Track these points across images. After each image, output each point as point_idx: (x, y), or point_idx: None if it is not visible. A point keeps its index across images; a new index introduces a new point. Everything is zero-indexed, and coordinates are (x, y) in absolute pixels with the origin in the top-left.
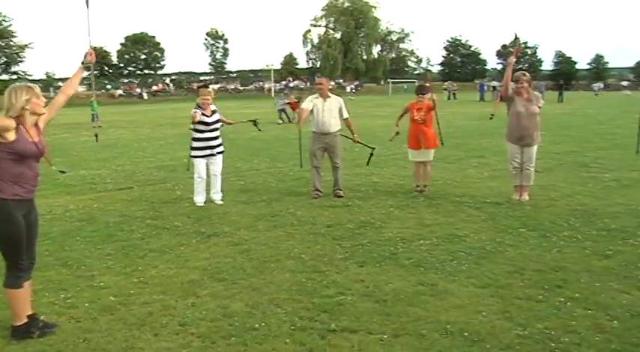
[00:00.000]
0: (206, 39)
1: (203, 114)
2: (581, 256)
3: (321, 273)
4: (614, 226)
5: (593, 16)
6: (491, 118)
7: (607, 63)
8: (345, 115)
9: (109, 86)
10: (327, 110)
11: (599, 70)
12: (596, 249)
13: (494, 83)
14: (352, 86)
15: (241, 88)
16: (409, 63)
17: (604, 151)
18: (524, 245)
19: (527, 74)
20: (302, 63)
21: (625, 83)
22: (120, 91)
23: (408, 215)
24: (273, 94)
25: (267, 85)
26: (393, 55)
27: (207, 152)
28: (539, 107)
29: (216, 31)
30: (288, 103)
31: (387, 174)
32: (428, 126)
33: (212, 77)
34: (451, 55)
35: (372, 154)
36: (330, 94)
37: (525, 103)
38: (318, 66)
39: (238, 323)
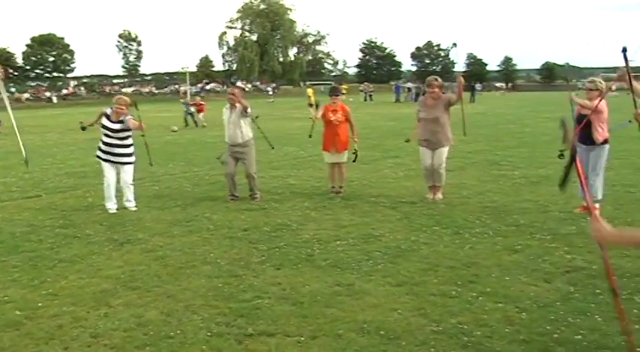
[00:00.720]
0: (118, 41)
1: (107, 118)
2: (492, 251)
3: (238, 277)
4: (523, 221)
5: (502, 19)
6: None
7: (515, 65)
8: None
9: (13, 89)
10: (234, 122)
11: (508, 71)
12: (506, 244)
13: (409, 85)
14: (270, 88)
15: (156, 92)
16: (326, 65)
17: (513, 150)
18: (438, 242)
19: (438, 79)
20: (218, 65)
21: (498, 84)
22: (27, 95)
23: (324, 216)
24: (186, 98)
25: (183, 88)
26: (310, 57)
27: (111, 158)
28: (448, 113)
29: (129, 33)
30: (193, 104)
31: (304, 175)
32: (343, 129)
33: (125, 80)
34: (367, 57)
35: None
36: (241, 103)
37: (432, 108)
38: (234, 68)
39: (153, 332)
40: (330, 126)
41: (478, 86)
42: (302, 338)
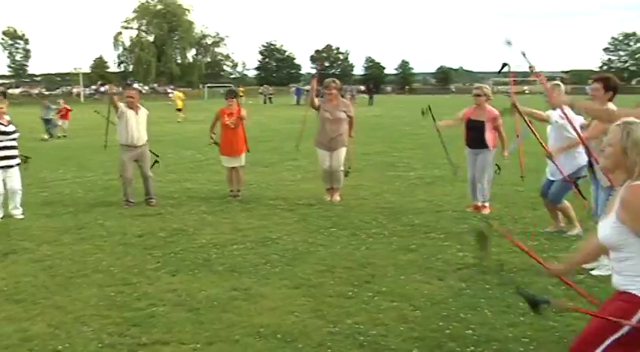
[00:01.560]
0: (3, 39)
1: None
2: (388, 251)
3: (132, 285)
4: (418, 221)
5: (400, 23)
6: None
7: (412, 68)
8: None
9: None
10: (137, 123)
11: (405, 74)
12: (401, 244)
13: (308, 87)
14: (170, 90)
15: (47, 93)
16: (225, 67)
17: (410, 151)
18: (335, 244)
19: (336, 81)
20: (113, 66)
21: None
22: None
23: (222, 220)
24: (47, 103)
25: (75, 90)
26: (209, 59)
27: (4, 163)
28: (349, 114)
29: (15, 30)
30: (59, 112)
31: (201, 179)
32: (239, 132)
33: (12, 80)
34: (267, 60)
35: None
36: (139, 105)
37: (332, 110)
38: (130, 70)
39: (39, 347)
40: (227, 130)
41: (389, 88)
42: (198, 346)
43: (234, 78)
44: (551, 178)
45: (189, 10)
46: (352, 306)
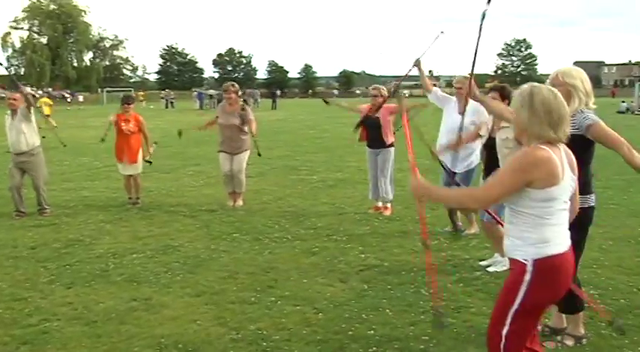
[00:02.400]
0: None
1: None
2: (291, 255)
3: (23, 301)
4: (320, 224)
5: (303, 27)
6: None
7: (315, 72)
8: None
9: None
10: (17, 128)
11: (308, 78)
12: (304, 248)
13: (212, 91)
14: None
15: None
16: (125, 71)
17: (312, 155)
18: (238, 249)
19: (235, 85)
20: (1, 69)
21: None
22: None
23: (120, 229)
24: None
25: None
26: (107, 63)
27: None
28: (248, 118)
29: None
30: None
31: (99, 187)
32: (135, 139)
33: None
34: (168, 63)
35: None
36: (30, 110)
37: (231, 114)
38: (22, 73)
39: None
40: (122, 136)
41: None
42: None
43: (134, 82)
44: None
45: (85, 12)
46: (255, 312)
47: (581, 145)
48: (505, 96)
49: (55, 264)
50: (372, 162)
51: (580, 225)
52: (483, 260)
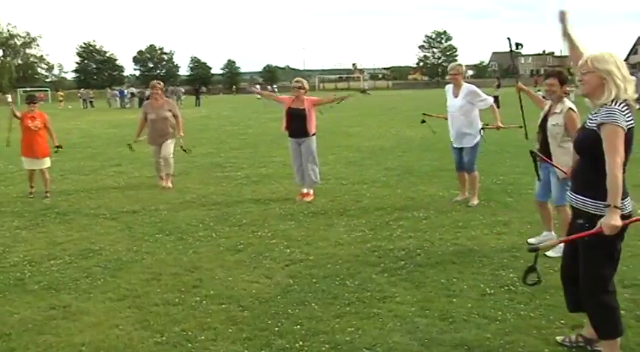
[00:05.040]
0: None
1: None
2: (216, 253)
3: None
4: (245, 220)
5: (225, 22)
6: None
7: (239, 68)
8: None
9: None
10: None
11: (232, 74)
12: (229, 245)
13: (133, 90)
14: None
15: None
16: (39, 70)
17: (237, 151)
18: (161, 250)
19: (160, 83)
20: None
21: (258, 87)
22: None
23: (37, 235)
24: None
25: None
26: (20, 61)
27: None
28: (175, 113)
29: None
30: None
31: (13, 192)
32: (42, 135)
33: None
34: (86, 61)
35: None
36: None
37: (157, 109)
38: None
39: None
40: (29, 133)
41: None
42: None
43: (50, 81)
44: (459, 146)
45: None
46: (179, 313)
47: (598, 141)
48: (563, 81)
49: None
50: (295, 151)
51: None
52: (405, 249)
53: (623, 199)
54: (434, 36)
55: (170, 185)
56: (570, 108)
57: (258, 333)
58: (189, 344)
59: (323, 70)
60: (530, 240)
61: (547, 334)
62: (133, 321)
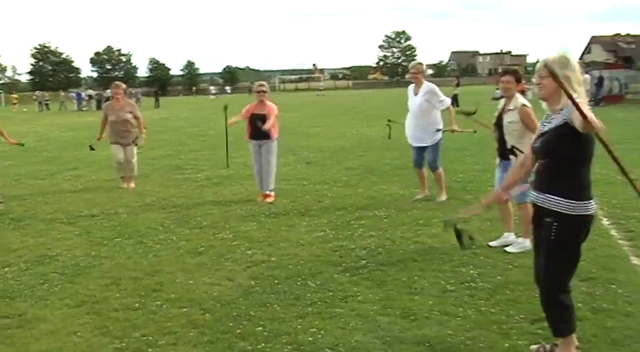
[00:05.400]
0: None
1: None
2: (176, 256)
3: None
4: (206, 223)
5: (183, 23)
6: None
7: (198, 69)
8: None
9: None
10: None
11: (191, 75)
12: (189, 248)
13: (90, 92)
14: None
15: None
16: None
17: (197, 153)
18: (121, 254)
19: (122, 85)
20: None
21: (212, 88)
22: None
23: None
24: None
25: None
26: None
27: None
28: (136, 115)
29: None
30: None
31: None
32: None
33: None
34: (41, 63)
35: None
36: None
37: (118, 111)
38: None
39: None
40: None
41: (212, 89)
42: None
43: (3, 83)
44: (419, 145)
45: None
46: (139, 318)
47: (567, 139)
48: (519, 79)
49: None
50: (256, 154)
51: None
52: (367, 248)
53: (588, 200)
54: (393, 36)
55: (133, 185)
56: (524, 104)
57: (219, 336)
58: (150, 350)
59: (283, 71)
60: (492, 244)
61: (507, 329)
62: (91, 327)
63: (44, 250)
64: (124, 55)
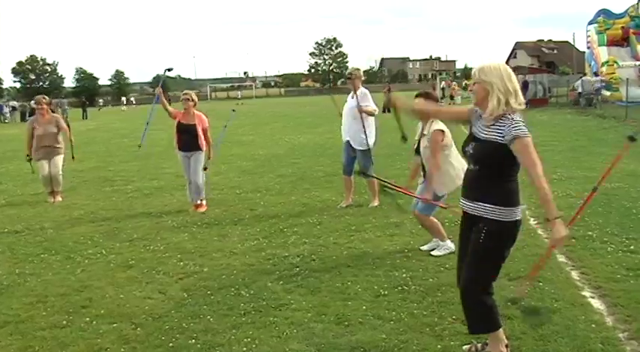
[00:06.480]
0: None
1: None
2: (106, 271)
3: None
4: (137, 235)
5: (111, 31)
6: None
7: (128, 78)
8: None
9: None
10: None
11: (120, 85)
12: (120, 261)
13: (14, 103)
14: None
15: None
16: None
17: (127, 164)
18: (47, 271)
19: (46, 97)
20: None
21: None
22: None
23: None
24: None
25: None
26: None
27: None
28: (61, 127)
29: None
30: None
31: None
32: None
33: None
34: None
35: None
36: None
37: (44, 125)
38: None
39: None
40: None
41: (101, 101)
42: None
43: None
44: (356, 147)
45: None
46: (67, 336)
47: (502, 153)
48: (435, 100)
49: None
50: (185, 164)
51: None
52: (300, 256)
53: (517, 206)
54: (324, 43)
55: (60, 199)
56: (435, 130)
57: (151, 350)
58: None
59: (215, 79)
60: (422, 248)
61: (439, 330)
62: (15, 349)
63: None
64: (49, 64)
